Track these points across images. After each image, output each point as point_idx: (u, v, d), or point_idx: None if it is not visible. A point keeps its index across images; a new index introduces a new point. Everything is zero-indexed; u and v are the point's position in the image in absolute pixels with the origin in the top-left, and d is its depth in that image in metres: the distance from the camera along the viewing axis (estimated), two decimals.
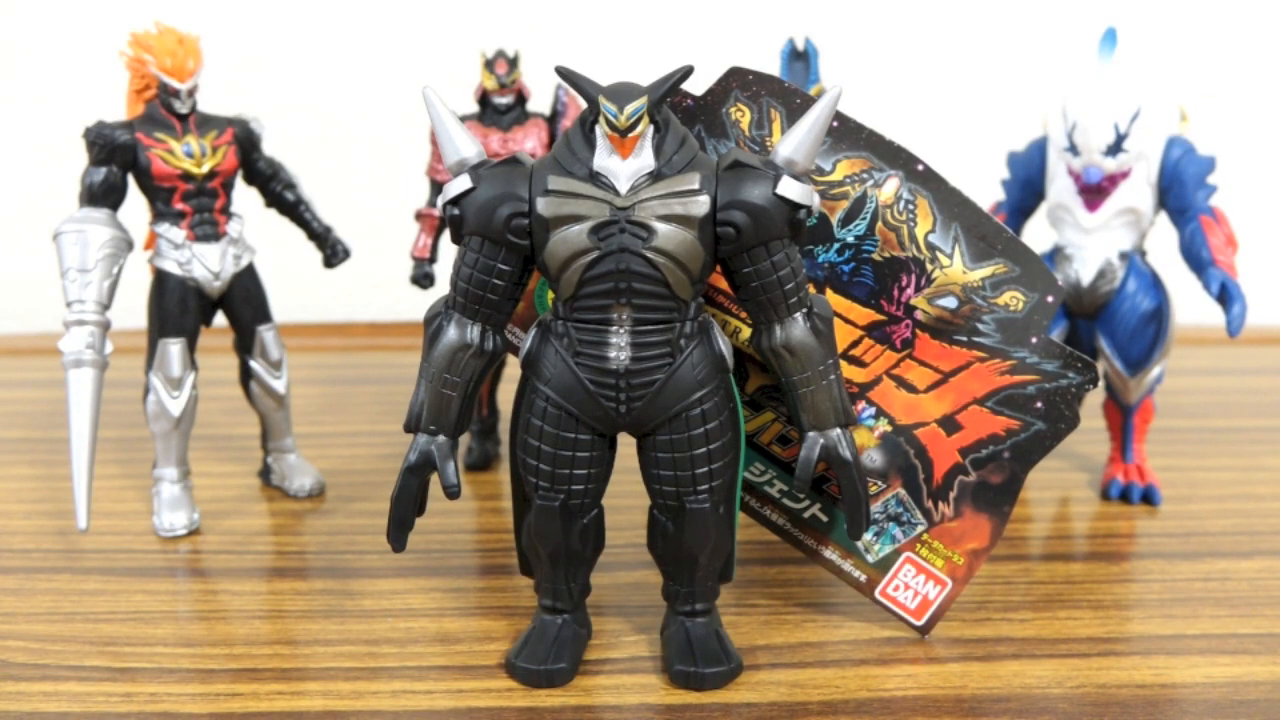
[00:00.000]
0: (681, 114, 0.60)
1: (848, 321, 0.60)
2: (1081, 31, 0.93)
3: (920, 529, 0.62)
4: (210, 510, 0.80)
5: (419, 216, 0.86)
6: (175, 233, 0.75)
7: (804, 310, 0.54)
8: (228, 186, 0.77)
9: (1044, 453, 0.60)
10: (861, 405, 0.61)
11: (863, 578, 0.63)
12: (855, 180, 0.59)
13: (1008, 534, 0.75)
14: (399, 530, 0.57)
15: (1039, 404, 0.60)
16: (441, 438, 0.56)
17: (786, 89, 0.59)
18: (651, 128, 0.52)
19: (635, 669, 0.60)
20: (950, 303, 0.59)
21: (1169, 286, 0.79)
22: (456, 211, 0.54)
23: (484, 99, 0.84)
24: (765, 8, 1.29)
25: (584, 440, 0.55)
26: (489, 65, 0.82)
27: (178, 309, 0.76)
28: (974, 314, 0.59)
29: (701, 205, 0.52)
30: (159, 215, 0.76)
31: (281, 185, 0.81)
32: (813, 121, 0.53)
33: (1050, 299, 0.59)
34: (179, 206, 0.75)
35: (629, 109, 0.51)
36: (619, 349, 0.53)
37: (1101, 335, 0.79)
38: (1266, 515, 0.78)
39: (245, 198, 0.80)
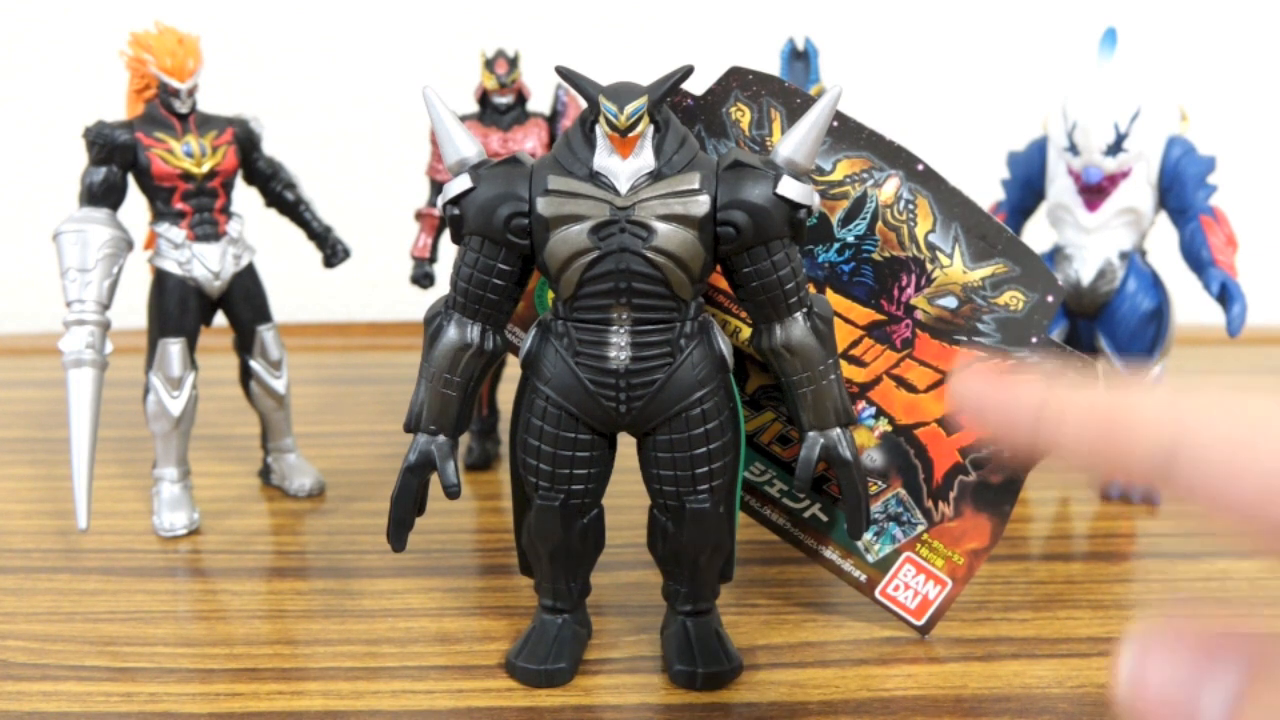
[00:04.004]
0: (682, 114, 0.60)
1: (848, 321, 0.60)
2: (1081, 31, 0.93)
3: (920, 529, 0.62)
4: (210, 510, 0.80)
5: (419, 216, 0.86)
6: (175, 232, 0.75)
7: (804, 310, 0.54)
8: (228, 186, 0.77)
9: None
10: (861, 405, 0.61)
11: (863, 577, 0.63)
12: (855, 180, 0.59)
13: (1008, 534, 0.75)
14: (399, 530, 0.57)
15: None
16: (441, 438, 0.56)
17: (786, 89, 0.59)
18: (652, 128, 0.52)
19: (635, 669, 0.60)
20: (950, 302, 0.59)
21: (1169, 286, 0.79)
22: (456, 211, 0.54)
23: (484, 99, 0.84)
24: (765, 8, 1.29)
25: (584, 440, 0.55)
26: (489, 65, 0.82)
27: (178, 309, 0.76)
28: (974, 314, 0.59)
29: (702, 205, 0.52)
30: (159, 215, 0.76)
31: (281, 185, 0.81)
32: (813, 121, 0.53)
33: (1050, 299, 0.59)
34: (179, 206, 0.75)
35: (629, 109, 0.51)
36: (619, 349, 0.53)
37: (1101, 335, 0.79)
38: None
39: (245, 198, 0.80)
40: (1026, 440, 0.27)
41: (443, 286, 0.63)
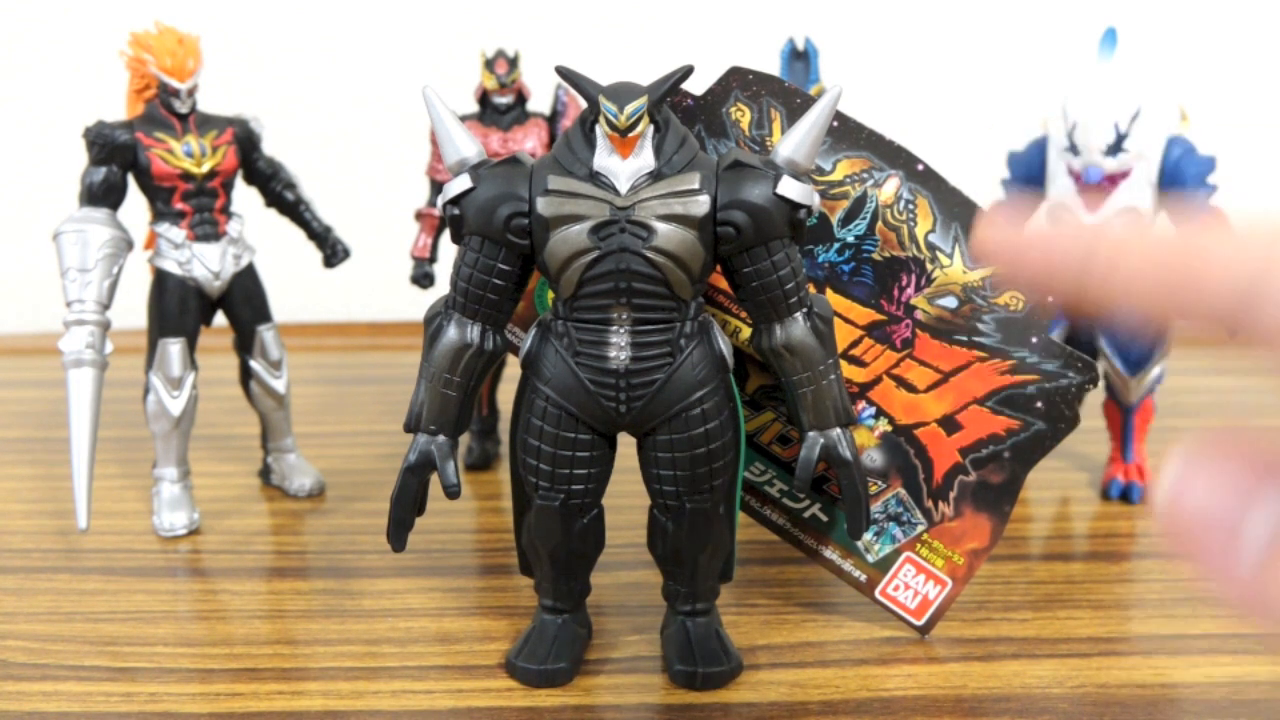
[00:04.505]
0: (681, 114, 0.60)
1: (848, 321, 0.60)
2: (1081, 31, 0.93)
3: (920, 529, 0.62)
4: (210, 510, 0.80)
5: (419, 216, 0.86)
6: (175, 232, 0.75)
7: (804, 310, 0.54)
8: (228, 186, 0.77)
9: (1044, 453, 0.60)
10: (861, 405, 0.61)
11: (863, 577, 0.63)
12: (855, 180, 0.59)
13: (1008, 534, 0.75)
14: (399, 530, 0.57)
15: (1039, 404, 0.60)
16: (441, 438, 0.55)
17: (786, 89, 0.59)
18: (652, 128, 0.52)
19: (635, 669, 0.60)
20: (950, 302, 0.59)
21: None
22: (456, 211, 0.53)
23: (484, 99, 0.84)
24: (765, 8, 1.29)
25: (584, 440, 0.55)
26: (489, 65, 0.82)
27: (178, 309, 0.76)
28: (974, 314, 0.59)
29: (702, 205, 0.51)
30: (159, 215, 0.76)
31: (281, 185, 0.81)
32: (813, 121, 0.53)
33: (1050, 299, 0.58)
34: (179, 206, 0.75)
35: (629, 109, 0.51)
36: (619, 349, 0.53)
37: (1101, 335, 0.79)
38: None
39: (245, 198, 0.80)
40: (1072, 284, 0.24)
41: (443, 286, 0.63)
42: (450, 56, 1.26)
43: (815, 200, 0.53)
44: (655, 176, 0.52)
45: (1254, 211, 0.23)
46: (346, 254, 0.84)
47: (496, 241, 0.53)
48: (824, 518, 0.63)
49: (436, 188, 0.85)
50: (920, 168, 0.59)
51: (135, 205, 0.76)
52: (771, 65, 0.72)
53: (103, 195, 0.73)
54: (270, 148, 0.81)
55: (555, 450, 0.55)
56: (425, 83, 0.57)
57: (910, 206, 0.59)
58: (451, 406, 0.55)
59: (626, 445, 0.58)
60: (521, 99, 0.84)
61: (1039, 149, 0.82)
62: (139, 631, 0.64)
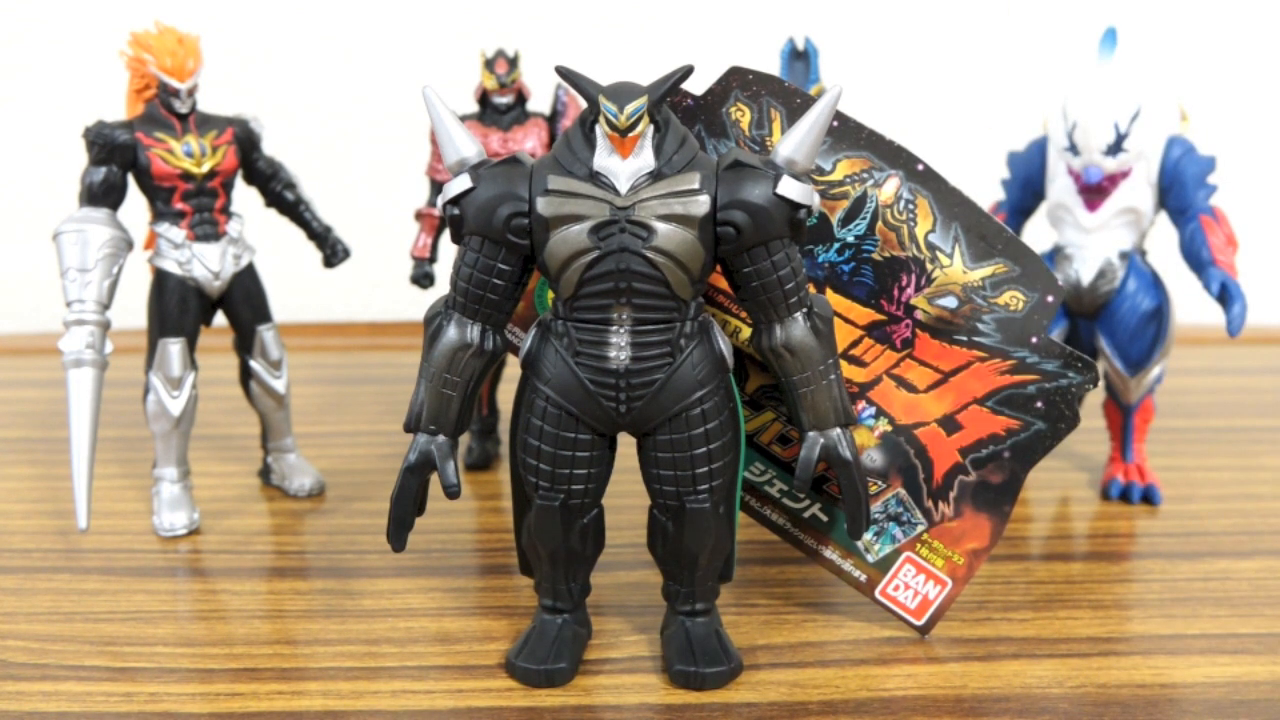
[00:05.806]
0: (681, 114, 0.60)
1: (848, 321, 0.60)
2: (1081, 31, 0.93)
3: (920, 529, 0.62)
4: (210, 510, 0.80)
5: (419, 216, 0.86)
6: (175, 232, 0.75)
7: (804, 310, 0.54)
8: (227, 186, 0.77)
9: (1044, 452, 0.60)
10: (861, 405, 0.61)
11: (863, 577, 0.63)
12: (855, 180, 0.59)
13: (1008, 534, 0.75)
14: (399, 530, 0.57)
15: (1039, 404, 0.60)
16: (441, 438, 0.56)
17: (786, 89, 0.59)
18: (651, 127, 0.52)
19: (635, 669, 0.60)
20: (950, 302, 0.59)
21: (1169, 286, 0.79)
22: (456, 211, 0.54)
23: (484, 99, 0.84)
24: (765, 8, 1.29)
25: (584, 440, 0.55)
26: (489, 65, 0.83)
27: (178, 309, 0.76)
28: (974, 314, 0.59)
29: (701, 205, 0.52)
30: (159, 215, 0.76)
31: (281, 185, 0.81)
32: (813, 121, 0.53)
33: (1050, 299, 0.59)
34: (179, 206, 0.75)
35: (629, 109, 0.51)
36: (619, 349, 0.53)
37: (1101, 335, 0.79)
38: (1266, 515, 0.78)
39: (245, 198, 0.80)
40: None
41: (443, 286, 0.63)
42: (450, 56, 1.26)
43: (815, 200, 0.53)
44: (655, 176, 0.52)
45: None
46: (346, 254, 0.84)
47: (496, 241, 0.53)
48: (824, 518, 0.63)
49: (436, 188, 0.85)
50: (920, 168, 0.59)
51: (135, 205, 0.76)
52: (771, 65, 0.72)
53: (103, 195, 0.73)
54: (270, 148, 0.81)
55: (555, 450, 0.55)
56: (425, 83, 0.57)
57: (910, 206, 0.59)
58: (451, 407, 0.55)
59: (626, 445, 0.58)
60: (521, 99, 0.84)
61: (1039, 149, 0.82)
62: (139, 631, 0.64)
